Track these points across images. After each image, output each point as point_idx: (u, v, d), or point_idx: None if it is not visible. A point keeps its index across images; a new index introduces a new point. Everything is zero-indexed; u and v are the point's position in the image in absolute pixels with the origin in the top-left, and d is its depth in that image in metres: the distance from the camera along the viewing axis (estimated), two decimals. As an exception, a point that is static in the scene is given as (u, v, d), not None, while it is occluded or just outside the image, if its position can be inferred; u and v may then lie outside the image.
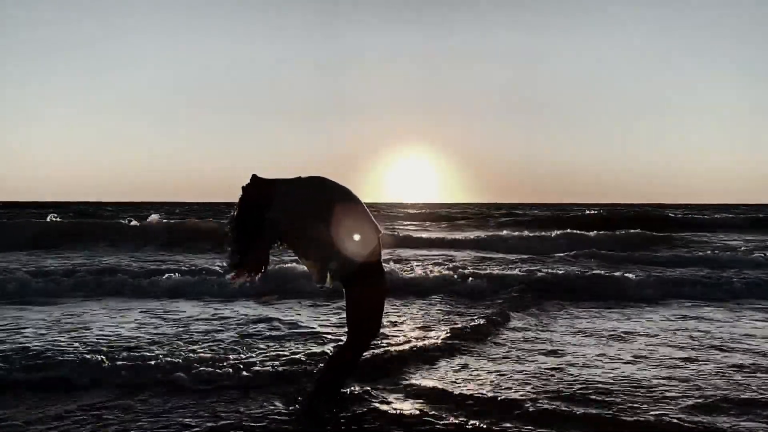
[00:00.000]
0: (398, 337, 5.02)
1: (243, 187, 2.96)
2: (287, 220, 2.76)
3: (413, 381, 3.78)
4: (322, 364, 3.57)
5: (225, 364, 4.00)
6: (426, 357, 4.38)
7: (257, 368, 3.96)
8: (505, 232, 17.73)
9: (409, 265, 9.84)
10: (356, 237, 2.84)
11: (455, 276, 8.22)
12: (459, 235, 18.31)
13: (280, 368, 3.95)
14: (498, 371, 4.00)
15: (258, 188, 2.93)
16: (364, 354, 3.53)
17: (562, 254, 12.15)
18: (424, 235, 19.04)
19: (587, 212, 30.28)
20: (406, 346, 4.59)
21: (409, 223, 27.85)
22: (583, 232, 17.26)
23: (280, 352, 4.44)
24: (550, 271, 9.17)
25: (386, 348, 4.52)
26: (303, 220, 2.82)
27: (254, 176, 2.96)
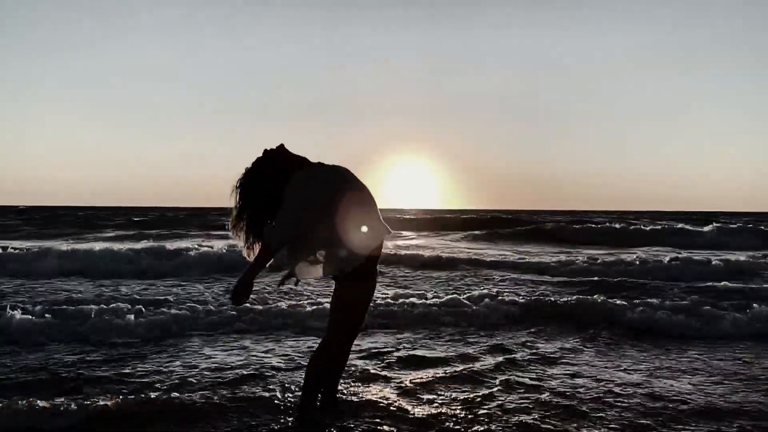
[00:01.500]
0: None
1: (266, 150, 2.85)
2: (289, 229, 2.70)
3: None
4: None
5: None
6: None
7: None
8: (560, 258, 12.42)
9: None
10: (365, 229, 2.75)
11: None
12: (494, 251, 15.08)
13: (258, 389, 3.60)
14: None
15: (280, 161, 2.84)
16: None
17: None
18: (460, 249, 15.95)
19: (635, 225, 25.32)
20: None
21: (437, 234, 24.45)
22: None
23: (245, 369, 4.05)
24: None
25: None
26: (311, 217, 2.72)
27: (282, 146, 2.87)
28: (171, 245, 11.05)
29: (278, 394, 3.46)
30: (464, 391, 3.62)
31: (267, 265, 2.79)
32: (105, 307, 5.65)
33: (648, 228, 21.62)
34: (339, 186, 2.77)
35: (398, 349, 4.68)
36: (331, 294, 2.92)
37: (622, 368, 4.24)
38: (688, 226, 22.27)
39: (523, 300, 6.62)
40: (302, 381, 3.16)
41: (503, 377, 3.91)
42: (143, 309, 5.60)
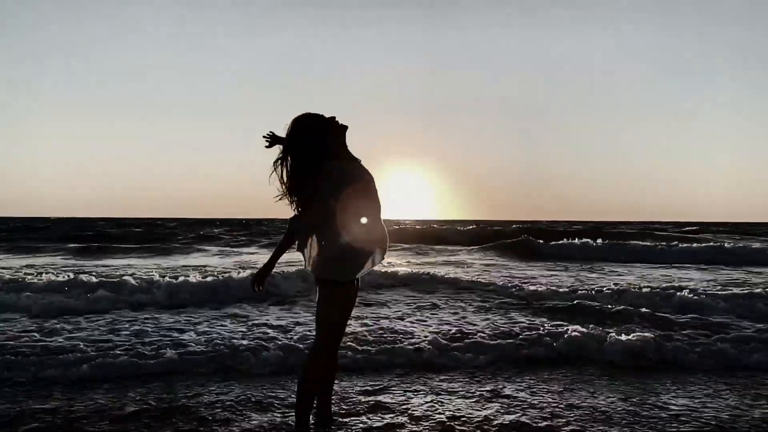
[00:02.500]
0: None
1: (333, 118, 2.85)
2: (316, 222, 2.77)
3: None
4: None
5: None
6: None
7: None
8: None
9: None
10: (364, 220, 2.77)
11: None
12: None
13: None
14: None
15: (334, 132, 2.83)
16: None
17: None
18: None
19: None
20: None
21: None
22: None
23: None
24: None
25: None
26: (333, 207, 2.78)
27: (346, 128, 2.87)
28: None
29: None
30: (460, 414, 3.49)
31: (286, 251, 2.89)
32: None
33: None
34: (352, 180, 2.76)
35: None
36: (318, 299, 2.89)
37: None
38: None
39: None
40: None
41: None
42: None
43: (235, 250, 20.63)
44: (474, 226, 32.50)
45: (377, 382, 4.13)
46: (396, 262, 15.04)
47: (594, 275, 11.80)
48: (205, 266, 12.95)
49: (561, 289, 8.28)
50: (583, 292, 8.06)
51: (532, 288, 8.44)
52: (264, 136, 2.98)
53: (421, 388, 4.02)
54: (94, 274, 9.67)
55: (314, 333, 3.02)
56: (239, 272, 9.23)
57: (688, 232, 34.61)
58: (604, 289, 8.27)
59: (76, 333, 5.40)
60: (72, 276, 8.36)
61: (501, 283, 9.29)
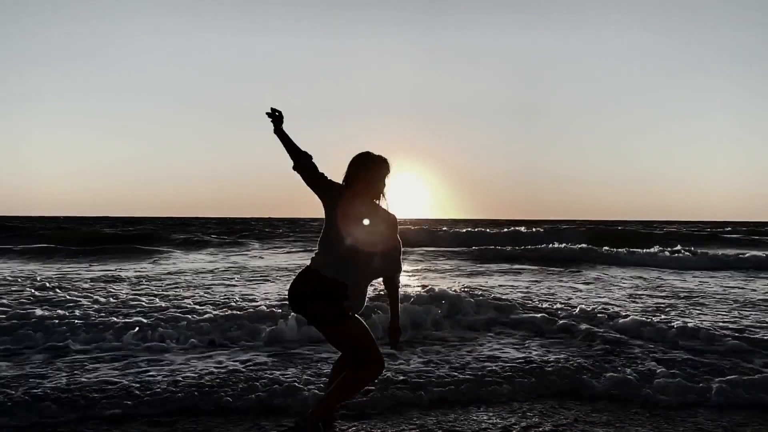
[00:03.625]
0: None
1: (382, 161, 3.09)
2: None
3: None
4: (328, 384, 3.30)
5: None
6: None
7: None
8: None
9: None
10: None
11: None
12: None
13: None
14: None
15: (365, 187, 3.04)
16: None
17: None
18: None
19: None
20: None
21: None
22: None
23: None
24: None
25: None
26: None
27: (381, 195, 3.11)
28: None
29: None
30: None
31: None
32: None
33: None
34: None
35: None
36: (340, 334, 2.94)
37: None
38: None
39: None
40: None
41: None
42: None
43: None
44: (470, 228, 31.10)
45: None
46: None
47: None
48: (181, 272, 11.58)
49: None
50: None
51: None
52: (273, 113, 3.01)
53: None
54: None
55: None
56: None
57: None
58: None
59: None
60: None
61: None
